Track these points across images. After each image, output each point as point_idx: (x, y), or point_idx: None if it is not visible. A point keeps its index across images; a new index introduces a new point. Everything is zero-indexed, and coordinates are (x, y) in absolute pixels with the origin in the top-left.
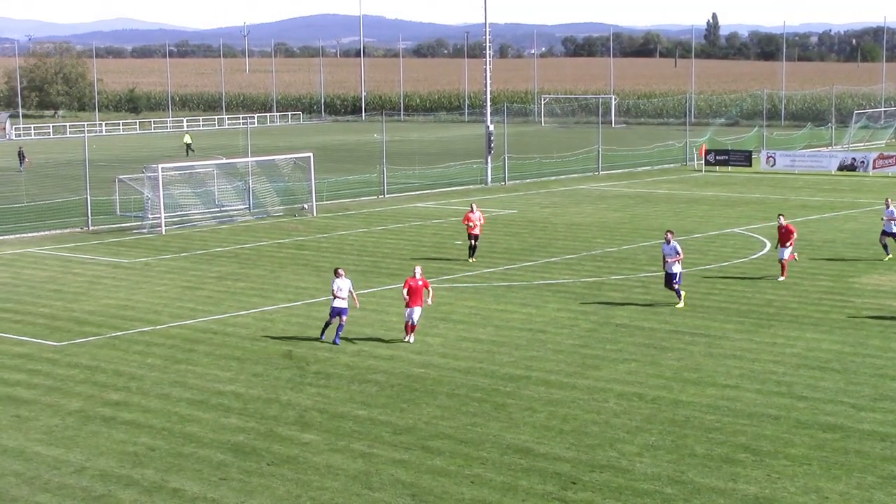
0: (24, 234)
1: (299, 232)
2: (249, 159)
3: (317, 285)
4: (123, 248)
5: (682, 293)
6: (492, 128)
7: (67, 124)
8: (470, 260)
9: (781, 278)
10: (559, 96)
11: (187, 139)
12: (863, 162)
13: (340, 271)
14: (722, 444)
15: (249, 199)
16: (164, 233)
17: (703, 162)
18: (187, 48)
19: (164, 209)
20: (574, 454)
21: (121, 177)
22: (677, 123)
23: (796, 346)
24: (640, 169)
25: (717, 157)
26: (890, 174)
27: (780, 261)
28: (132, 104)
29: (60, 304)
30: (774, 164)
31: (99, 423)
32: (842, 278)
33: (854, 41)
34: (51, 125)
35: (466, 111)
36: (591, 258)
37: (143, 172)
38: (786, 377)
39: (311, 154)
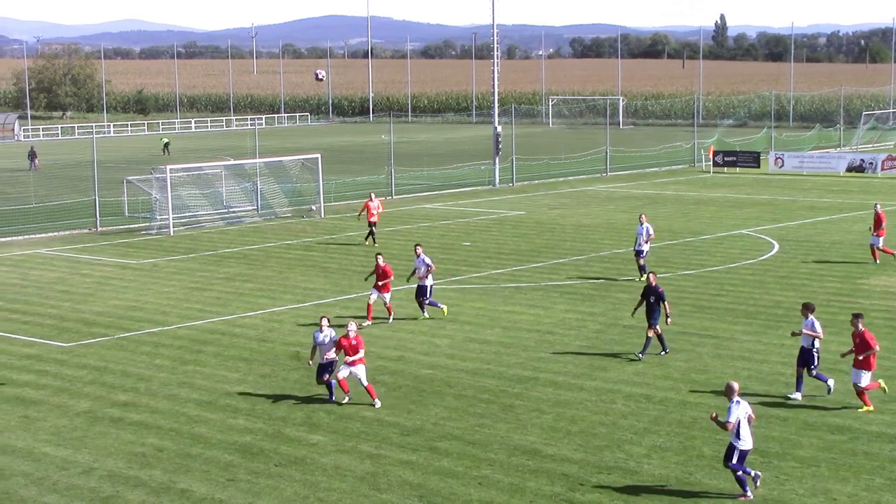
0: (33, 236)
1: (307, 233)
2: (257, 160)
3: (325, 286)
4: (132, 249)
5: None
6: (499, 129)
7: (76, 125)
8: (365, 243)
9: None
10: (567, 97)
11: (165, 140)
12: (871, 163)
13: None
14: None
15: (257, 201)
16: (172, 234)
17: (711, 163)
18: (195, 49)
19: (173, 210)
20: (582, 455)
21: (129, 178)
22: (685, 124)
23: None
24: (648, 170)
25: (726, 159)
26: None
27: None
28: (140, 105)
29: (69, 305)
30: (783, 165)
31: (107, 423)
32: (850, 280)
33: (862, 42)
34: (59, 126)
35: (474, 112)
36: (599, 259)
37: (151, 174)
38: (794, 378)
39: (319, 155)
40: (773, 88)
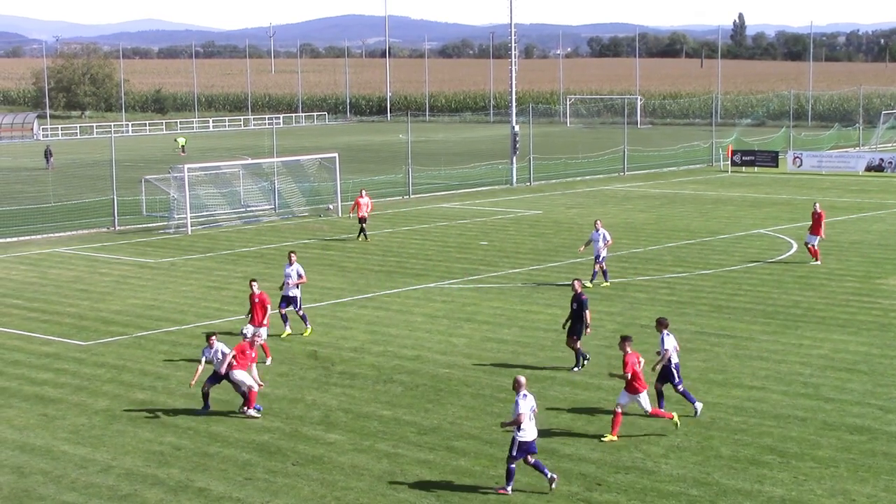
0: (52, 234)
1: (324, 232)
2: (275, 160)
3: (342, 285)
4: (150, 248)
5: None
6: (517, 128)
7: (94, 125)
8: (358, 239)
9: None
10: (585, 97)
11: (181, 140)
12: (891, 162)
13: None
14: (748, 445)
15: (275, 200)
16: (189, 233)
17: (729, 162)
18: (213, 49)
19: (190, 209)
20: (599, 455)
21: (147, 177)
22: (703, 124)
23: (823, 348)
24: (665, 169)
25: (744, 158)
26: None
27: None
28: (158, 105)
29: (87, 304)
30: (801, 164)
31: (125, 422)
32: (869, 280)
33: (882, 41)
34: (78, 126)
35: (492, 112)
36: (616, 259)
37: (169, 173)
38: (812, 378)
39: (336, 154)
40: (791, 88)
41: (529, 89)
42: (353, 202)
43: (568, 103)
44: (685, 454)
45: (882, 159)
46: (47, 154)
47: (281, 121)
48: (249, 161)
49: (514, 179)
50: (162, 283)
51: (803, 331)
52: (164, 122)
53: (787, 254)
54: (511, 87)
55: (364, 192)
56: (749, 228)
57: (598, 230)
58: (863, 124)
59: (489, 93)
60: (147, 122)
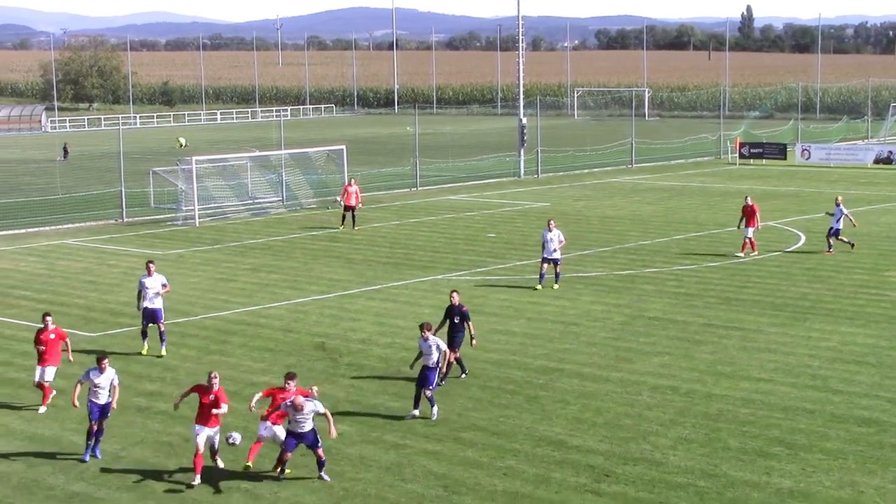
0: (60, 226)
1: (332, 224)
2: (283, 152)
3: (350, 277)
4: (157, 240)
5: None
6: (524, 121)
7: (102, 117)
8: (340, 227)
9: (741, 254)
10: (592, 89)
11: (182, 140)
12: None
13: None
14: (756, 437)
15: (283, 192)
16: (197, 225)
17: (737, 155)
18: (221, 41)
19: (198, 201)
20: (607, 447)
21: (155, 169)
22: (711, 116)
23: (831, 340)
24: (673, 162)
25: (752, 150)
26: None
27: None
28: (166, 97)
29: (95, 296)
30: (809, 157)
31: (134, 413)
32: (877, 272)
33: (891, 33)
34: (85, 118)
35: (499, 104)
36: (624, 251)
37: (177, 165)
38: (821, 371)
39: (344, 147)
40: (799, 80)
41: (537, 82)
42: (342, 190)
43: (575, 96)
44: (693, 446)
45: (891, 152)
46: (65, 150)
47: (289, 113)
48: (257, 153)
49: (522, 172)
50: (170, 274)
51: (812, 323)
52: (171, 114)
53: (796, 246)
54: (518, 80)
55: (353, 181)
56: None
57: (550, 229)
58: (871, 116)
59: (497, 85)
60: (155, 114)
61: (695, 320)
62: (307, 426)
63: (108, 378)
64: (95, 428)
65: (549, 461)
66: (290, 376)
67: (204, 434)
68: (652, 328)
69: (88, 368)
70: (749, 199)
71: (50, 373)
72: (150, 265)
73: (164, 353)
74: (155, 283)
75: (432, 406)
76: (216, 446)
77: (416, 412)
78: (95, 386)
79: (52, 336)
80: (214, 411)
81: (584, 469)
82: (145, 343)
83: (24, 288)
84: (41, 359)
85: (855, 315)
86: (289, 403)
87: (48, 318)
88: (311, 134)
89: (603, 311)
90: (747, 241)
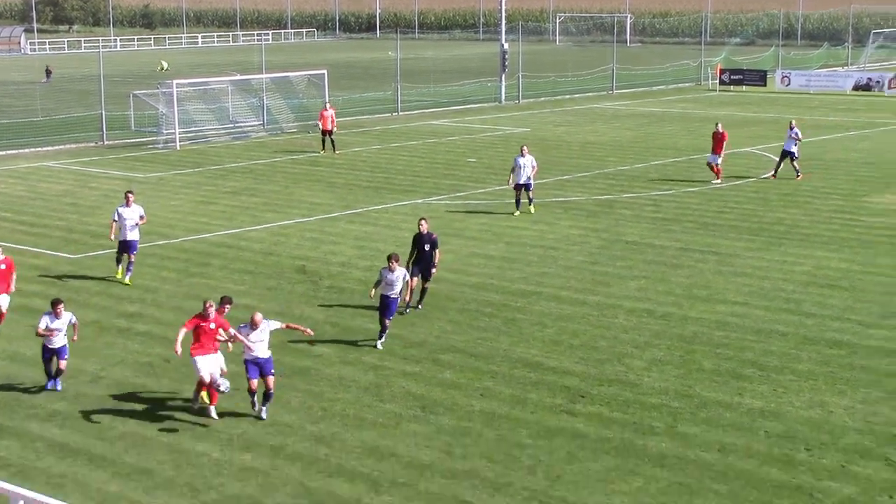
0: (40, 149)
1: (312, 148)
2: (264, 76)
3: (330, 201)
4: (138, 163)
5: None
6: (506, 46)
7: (82, 39)
8: (321, 152)
9: (717, 181)
10: (574, 15)
11: (165, 64)
12: (878, 82)
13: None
14: (729, 359)
15: (264, 116)
16: (178, 148)
17: (717, 81)
18: None
19: (179, 125)
20: (583, 368)
21: (136, 92)
22: (693, 43)
23: (806, 265)
24: (654, 88)
25: (732, 77)
26: None
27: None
28: (147, 20)
29: (76, 218)
30: (789, 83)
31: (114, 334)
32: (853, 197)
33: None
34: (65, 40)
35: (481, 29)
36: (603, 176)
37: (157, 88)
38: (794, 294)
39: (325, 71)
40: (781, 6)
41: (519, 7)
42: (318, 115)
43: (557, 21)
44: (667, 367)
45: (870, 78)
46: (48, 72)
47: (270, 37)
48: (238, 77)
49: (503, 97)
50: (150, 197)
51: (787, 248)
52: (152, 37)
53: (775, 172)
54: (501, 5)
55: (328, 105)
56: (736, 147)
57: (523, 154)
58: (852, 43)
59: (479, 10)
60: (135, 37)
61: (672, 245)
62: (264, 351)
63: (64, 322)
64: (52, 370)
65: (526, 382)
66: (225, 301)
67: (206, 363)
68: (629, 252)
69: (43, 314)
70: (720, 125)
71: (4, 300)
72: (129, 195)
73: (128, 282)
74: (133, 213)
75: (383, 334)
76: (217, 377)
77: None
78: (50, 331)
79: (3, 266)
80: (218, 337)
81: (560, 390)
82: (120, 268)
83: (5, 210)
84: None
85: (830, 240)
86: (246, 325)
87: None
88: (292, 58)
89: (581, 236)
90: (715, 167)
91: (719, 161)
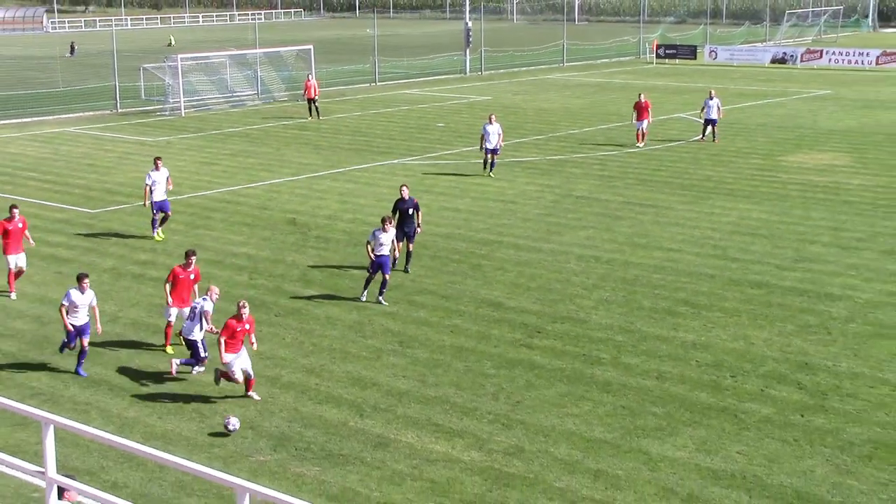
0: (62, 116)
1: (301, 115)
2: (258, 51)
3: (317, 161)
4: (148, 129)
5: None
6: (470, 24)
7: (97, 19)
8: (309, 118)
9: (640, 144)
10: None
11: (172, 39)
12: (792, 56)
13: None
14: (665, 298)
15: (258, 86)
16: (183, 115)
17: (654, 55)
18: None
19: (183, 94)
20: (539, 307)
21: (145, 65)
22: (632, 21)
23: (731, 216)
24: (599, 61)
25: (667, 51)
26: (815, 66)
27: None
28: (154, 1)
29: (94, 177)
30: (716, 57)
31: (129, 279)
32: (771, 157)
33: None
34: (82, 19)
35: (448, 9)
36: (555, 139)
37: (164, 62)
38: (721, 242)
39: (311, 46)
40: None
41: None
42: (303, 85)
43: (514, 2)
44: (612, 306)
45: (785, 53)
46: (72, 47)
47: (262, 16)
48: (235, 52)
49: (468, 69)
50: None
51: (714, 201)
52: (159, 17)
53: (703, 136)
54: None
55: (311, 76)
56: (671, 113)
57: (491, 122)
58: (769, 22)
59: None
60: (144, 17)
61: (615, 199)
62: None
63: (87, 299)
64: (75, 347)
65: (490, 320)
66: (190, 253)
67: (238, 363)
68: (579, 206)
69: (69, 288)
70: (642, 95)
71: (22, 259)
72: (158, 161)
73: (161, 236)
74: (161, 176)
75: (384, 289)
76: (249, 372)
77: (365, 297)
78: (75, 306)
79: (20, 225)
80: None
81: (519, 326)
82: (157, 231)
83: (32, 170)
84: (9, 248)
85: (751, 194)
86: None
87: (15, 210)
88: (282, 35)
89: (536, 191)
90: (641, 132)
91: (644, 126)
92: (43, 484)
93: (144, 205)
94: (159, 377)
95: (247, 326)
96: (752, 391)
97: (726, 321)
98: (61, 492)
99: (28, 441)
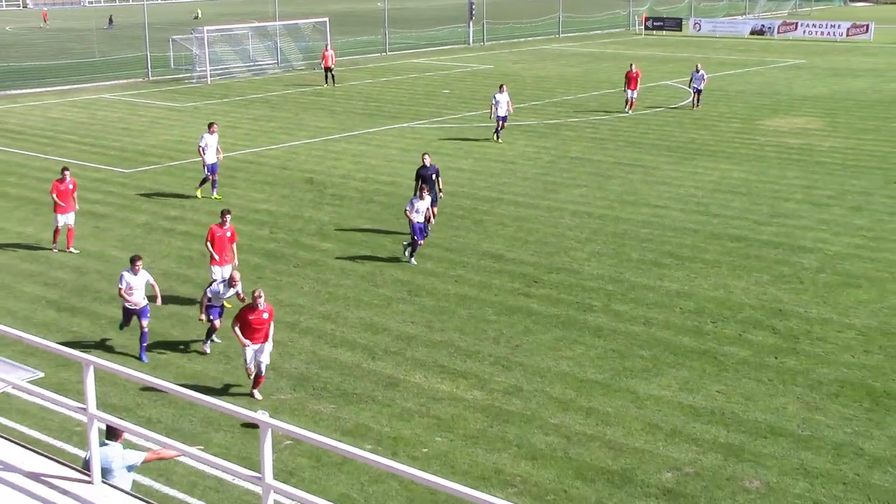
0: (98, 83)
1: (317, 82)
2: (277, 23)
3: (332, 125)
4: (177, 95)
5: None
6: None
7: None
8: (326, 84)
9: (628, 111)
10: None
11: (199, 12)
12: (770, 28)
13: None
14: (652, 251)
15: (278, 56)
16: (209, 83)
17: (643, 27)
18: None
19: (209, 63)
20: (536, 259)
21: (174, 37)
22: None
23: (713, 175)
24: (592, 32)
25: (655, 24)
26: (790, 38)
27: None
28: None
29: (128, 140)
30: (700, 29)
31: (161, 233)
32: (750, 121)
33: None
34: None
35: None
36: (552, 104)
37: (191, 33)
38: (703, 199)
39: (327, 19)
40: None
41: None
42: (321, 55)
43: None
44: (603, 258)
45: (763, 25)
46: (110, 20)
47: None
48: (257, 24)
49: (471, 40)
50: (187, 123)
51: (698, 162)
52: None
53: (687, 101)
54: None
55: (328, 47)
56: (658, 80)
57: (502, 91)
58: None
59: None
60: None
61: (607, 160)
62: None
63: (142, 280)
64: (130, 326)
65: (491, 271)
66: (225, 212)
67: (251, 351)
68: (573, 166)
69: (122, 271)
70: (634, 66)
71: (71, 218)
72: (213, 125)
73: (218, 196)
74: (213, 140)
75: (414, 251)
76: (262, 367)
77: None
78: (130, 288)
79: (71, 186)
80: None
81: (518, 277)
82: (201, 189)
83: (71, 133)
84: (59, 208)
85: (731, 155)
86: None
87: (66, 172)
88: (300, 8)
89: (534, 153)
90: (631, 100)
91: (633, 95)
92: (84, 419)
93: (203, 164)
94: (189, 323)
95: (265, 316)
96: (731, 336)
97: (708, 272)
98: (113, 432)
99: (70, 380)
